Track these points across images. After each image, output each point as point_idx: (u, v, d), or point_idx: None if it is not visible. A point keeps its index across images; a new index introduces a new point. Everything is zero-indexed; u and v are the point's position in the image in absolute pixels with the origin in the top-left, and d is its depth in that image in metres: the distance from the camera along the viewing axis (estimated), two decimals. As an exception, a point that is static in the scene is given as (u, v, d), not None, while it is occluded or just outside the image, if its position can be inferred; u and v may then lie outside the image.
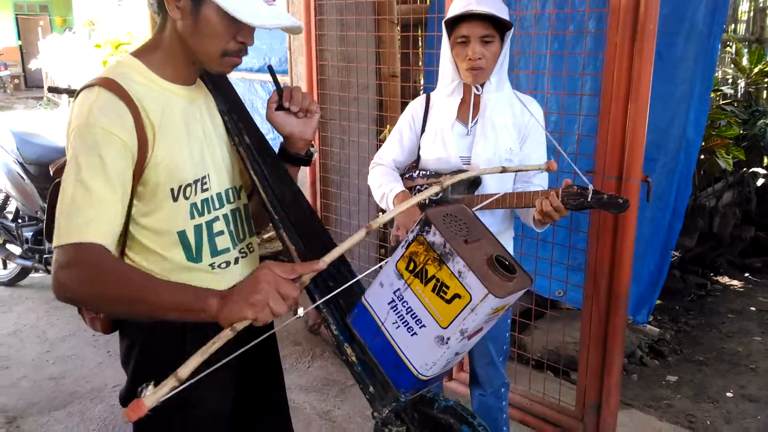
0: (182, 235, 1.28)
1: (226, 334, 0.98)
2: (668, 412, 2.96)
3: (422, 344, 1.11)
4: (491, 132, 2.01)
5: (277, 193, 1.37)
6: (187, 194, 1.27)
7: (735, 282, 4.51)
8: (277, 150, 1.44)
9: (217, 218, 1.34)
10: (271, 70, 1.37)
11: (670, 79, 2.37)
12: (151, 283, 1.10)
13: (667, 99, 2.38)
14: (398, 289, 1.13)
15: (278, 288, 1.01)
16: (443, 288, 1.07)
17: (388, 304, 1.15)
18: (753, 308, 4.06)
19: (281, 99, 1.36)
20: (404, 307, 1.13)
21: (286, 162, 1.43)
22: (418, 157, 2.17)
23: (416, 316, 1.11)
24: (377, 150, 2.25)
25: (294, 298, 1.03)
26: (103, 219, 1.11)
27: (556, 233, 2.39)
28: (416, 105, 2.14)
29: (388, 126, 2.85)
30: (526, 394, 2.56)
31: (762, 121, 4.51)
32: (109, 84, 1.16)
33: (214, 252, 1.33)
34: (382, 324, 1.16)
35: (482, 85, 1.96)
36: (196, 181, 1.28)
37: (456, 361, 1.22)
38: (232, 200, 1.39)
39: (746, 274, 4.63)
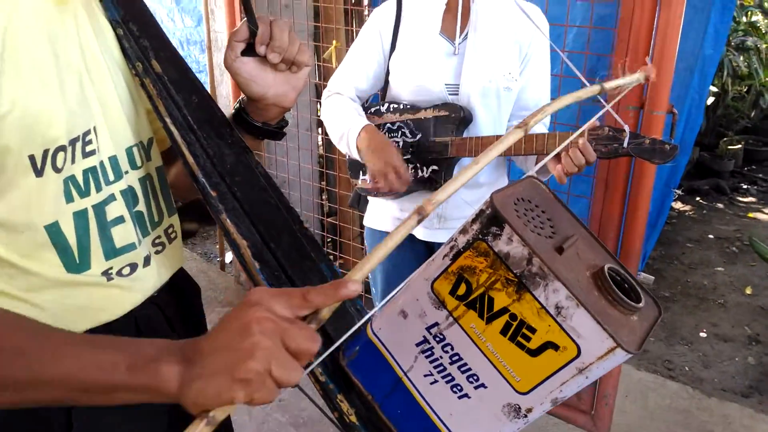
0: (54, 230, 0.76)
1: (200, 430, 0.53)
2: (644, 358, 2.74)
3: (479, 414, 0.68)
4: (486, 50, 1.54)
5: (212, 153, 0.87)
6: (59, 164, 0.74)
7: (687, 207, 4.35)
8: (230, 112, 0.94)
9: (112, 197, 0.82)
10: None
11: (688, -18, 1.93)
12: (38, 343, 0.60)
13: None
14: (436, 325, 0.68)
15: (285, 340, 0.56)
16: (524, 331, 0.62)
17: (417, 345, 0.70)
18: (711, 236, 3.91)
19: (253, 38, 0.82)
20: (446, 353, 0.68)
21: (243, 132, 0.93)
22: (386, 83, 1.68)
23: (469, 370, 0.67)
24: (318, 73, 1.73)
25: (311, 355, 0.58)
26: None
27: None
28: (383, 13, 1.62)
29: (334, 42, 2.30)
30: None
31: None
32: None
33: (110, 252, 0.82)
34: (405, 375, 0.72)
35: (475, -15, 1.48)
36: (73, 141, 0.75)
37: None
38: (138, 164, 0.87)
39: (697, 198, 4.48)
